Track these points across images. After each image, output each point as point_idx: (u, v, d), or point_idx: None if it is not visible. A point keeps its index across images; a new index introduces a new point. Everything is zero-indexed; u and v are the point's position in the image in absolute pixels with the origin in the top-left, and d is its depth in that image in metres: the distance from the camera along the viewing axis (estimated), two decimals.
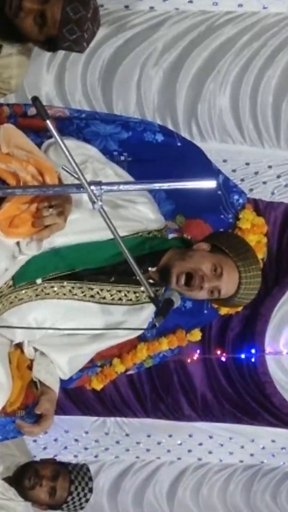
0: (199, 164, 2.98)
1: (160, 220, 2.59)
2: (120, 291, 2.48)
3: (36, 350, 2.56)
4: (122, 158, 2.82)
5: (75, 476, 3.26)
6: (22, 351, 2.56)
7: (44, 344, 2.53)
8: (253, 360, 3.53)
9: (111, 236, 2.11)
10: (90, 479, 3.31)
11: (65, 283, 2.43)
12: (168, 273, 2.40)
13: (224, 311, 3.24)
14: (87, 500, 3.30)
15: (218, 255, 2.43)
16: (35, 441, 3.93)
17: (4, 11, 2.49)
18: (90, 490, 3.29)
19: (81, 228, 2.40)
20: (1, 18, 2.55)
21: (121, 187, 2.11)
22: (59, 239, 2.38)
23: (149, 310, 2.50)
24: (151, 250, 2.46)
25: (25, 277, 2.41)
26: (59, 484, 3.22)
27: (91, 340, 2.58)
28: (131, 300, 2.49)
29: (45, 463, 3.35)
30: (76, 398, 3.73)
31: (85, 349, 2.61)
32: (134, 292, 2.49)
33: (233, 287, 2.44)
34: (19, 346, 2.54)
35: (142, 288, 2.42)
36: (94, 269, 2.44)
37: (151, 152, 2.88)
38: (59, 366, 2.56)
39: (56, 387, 2.56)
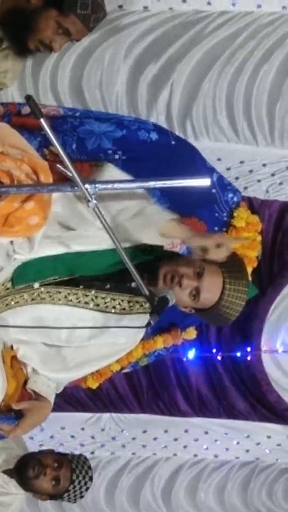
0: (194, 162, 2.98)
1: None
2: (114, 299, 2.49)
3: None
4: (117, 156, 2.82)
5: (76, 465, 3.29)
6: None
7: (38, 361, 2.55)
8: (249, 358, 3.54)
9: (112, 245, 2.13)
10: (90, 468, 3.34)
11: (61, 289, 2.45)
12: (155, 274, 2.41)
13: None
14: (87, 489, 3.33)
15: (205, 262, 2.44)
16: (31, 438, 3.93)
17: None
18: (91, 479, 3.32)
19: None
20: (17, 12, 2.61)
21: (116, 185, 2.12)
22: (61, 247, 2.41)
23: (140, 321, 2.49)
24: (145, 259, 2.48)
25: (23, 279, 2.43)
26: (62, 473, 3.24)
27: (79, 365, 2.59)
28: (124, 309, 2.50)
29: (46, 453, 3.37)
30: (72, 394, 3.74)
31: (73, 374, 2.63)
32: (128, 302, 2.50)
33: (215, 292, 2.41)
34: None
35: (136, 298, 2.45)
36: (90, 275, 2.46)
37: (146, 151, 2.88)
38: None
39: (51, 398, 2.58)
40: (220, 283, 2.41)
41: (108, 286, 2.47)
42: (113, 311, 2.48)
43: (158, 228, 2.46)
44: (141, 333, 2.60)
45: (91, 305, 2.47)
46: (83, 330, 2.48)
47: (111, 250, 2.30)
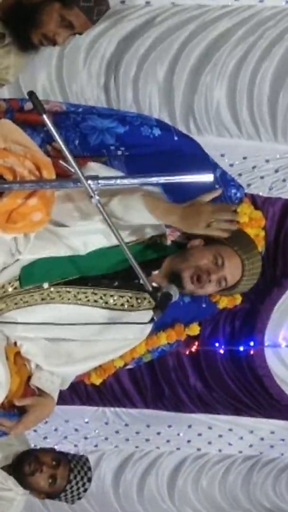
0: (197, 158, 2.96)
1: (161, 225, 2.60)
2: (122, 296, 2.51)
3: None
4: (119, 152, 2.80)
5: (75, 465, 3.28)
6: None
7: (41, 357, 2.55)
8: (251, 353, 3.54)
9: (116, 242, 2.14)
10: (89, 469, 3.33)
11: (70, 289, 2.47)
12: (180, 278, 2.42)
13: (222, 304, 3.24)
14: (85, 490, 3.32)
15: (214, 246, 2.45)
16: (35, 430, 3.95)
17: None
18: (89, 480, 3.31)
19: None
20: (20, 6, 2.63)
21: (118, 181, 2.12)
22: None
23: (149, 316, 2.51)
24: (152, 256, 2.49)
25: (32, 279, 2.44)
26: (59, 472, 3.23)
27: (85, 359, 2.60)
28: (132, 305, 2.52)
29: (46, 451, 3.37)
30: (76, 388, 3.75)
31: (78, 367, 2.64)
32: (137, 298, 2.52)
33: (238, 272, 2.49)
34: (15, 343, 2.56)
35: (144, 294, 2.46)
36: (98, 274, 2.47)
37: (148, 147, 2.86)
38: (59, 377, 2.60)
39: (54, 394, 2.58)
40: (239, 262, 2.47)
41: (116, 283, 2.48)
42: (121, 308, 2.50)
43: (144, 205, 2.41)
44: (148, 328, 2.62)
45: (100, 303, 2.49)
46: (94, 326, 2.50)
47: (114, 248, 2.31)
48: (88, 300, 2.48)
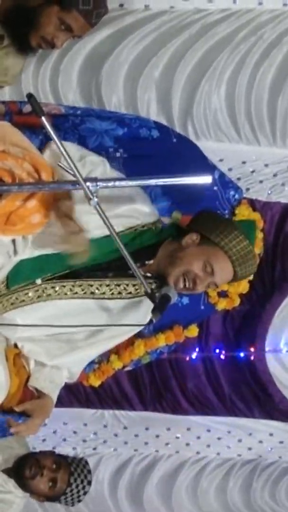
0: (195, 160, 2.98)
1: (154, 213, 2.60)
2: (119, 285, 2.51)
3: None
4: (118, 154, 2.82)
5: (75, 468, 3.28)
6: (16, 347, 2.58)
7: (43, 354, 2.56)
8: (252, 357, 3.53)
9: (107, 233, 2.13)
10: (89, 472, 3.33)
11: (65, 283, 2.46)
12: (166, 282, 2.43)
13: (221, 306, 3.25)
14: (85, 493, 3.32)
15: (207, 248, 2.43)
16: None
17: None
18: (89, 483, 3.31)
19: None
20: (19, 9, 2.65)
21: (117, 183, 2.12)
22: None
23: (148, 303, 2.50)
24: (146, 244, 2.49)
25: (19, 279, 2.43)
26: (60, 476, 3.23)
27: (89, 345, 2.59)
28: (130, 293, 2.52)
29: (46, 454, 3.37)
30: (75, 391, 3.75)
31: (83, 353, 2.63)
32: (133, 285, 2.52)
33: (228, 274, 2.47)
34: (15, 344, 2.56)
35: None
36: (91, 266, 2.46)
37: (147, 148, 2.89)
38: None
39: (53, 394, 2.58)
40: (228, 261, 2.43)
41: (110, 274, 2.48)
42: (119, 296, 2.50)
43: None
44: (149, 315, 2.58)
45: (97, 294, 2.49)
46: (94, 318, 2.50)
47: (105, 239, 2.31)
48: (85, 293, 2.47)
